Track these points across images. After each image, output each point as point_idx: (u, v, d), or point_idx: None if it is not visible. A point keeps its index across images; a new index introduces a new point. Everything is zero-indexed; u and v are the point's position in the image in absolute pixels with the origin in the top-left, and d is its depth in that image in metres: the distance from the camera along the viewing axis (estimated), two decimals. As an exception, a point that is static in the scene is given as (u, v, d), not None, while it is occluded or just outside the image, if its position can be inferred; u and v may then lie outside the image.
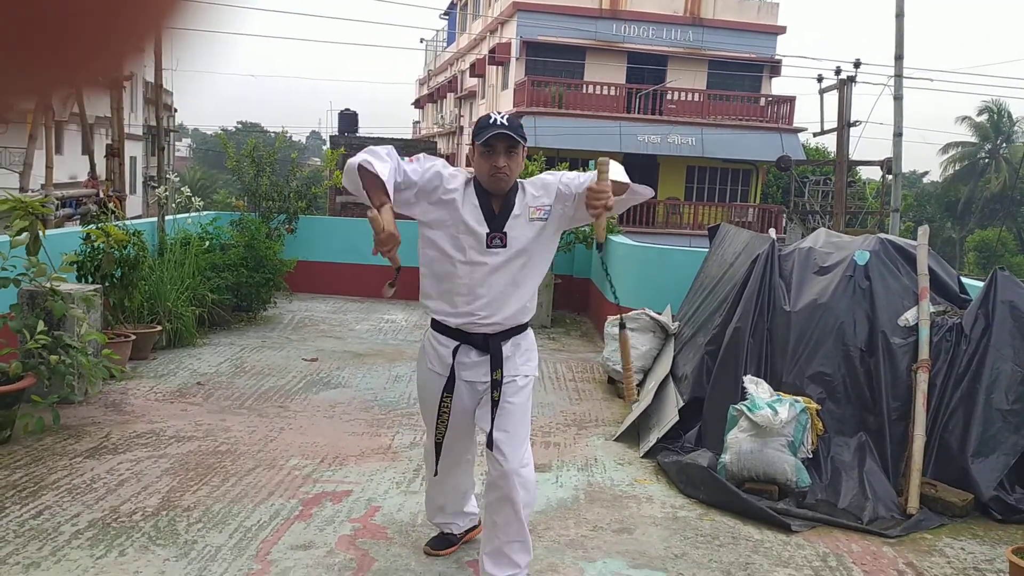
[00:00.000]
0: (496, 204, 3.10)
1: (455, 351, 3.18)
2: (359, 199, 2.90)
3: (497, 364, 3.14)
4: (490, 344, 3.15)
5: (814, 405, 4.69)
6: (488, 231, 3.06)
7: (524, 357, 3.23)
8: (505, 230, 3.08)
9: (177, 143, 45.63)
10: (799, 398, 4.64)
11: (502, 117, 3.05)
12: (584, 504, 4.31)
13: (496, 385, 3.14)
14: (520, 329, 3.23)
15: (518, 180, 3.16)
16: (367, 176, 2.82)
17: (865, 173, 29.69)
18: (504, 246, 3.08)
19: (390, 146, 2.97)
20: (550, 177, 3.18)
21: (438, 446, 3.29)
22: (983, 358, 4.67)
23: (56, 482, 4.16)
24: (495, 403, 3.13)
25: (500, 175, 3.01)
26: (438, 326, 3.23)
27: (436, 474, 3.36)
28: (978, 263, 37.45)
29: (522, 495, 3.13)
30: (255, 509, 3.98)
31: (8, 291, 5.11)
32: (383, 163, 2.84)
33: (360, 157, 2.83)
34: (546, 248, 3.19)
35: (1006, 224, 39.01)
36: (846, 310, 5.00)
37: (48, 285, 5.19)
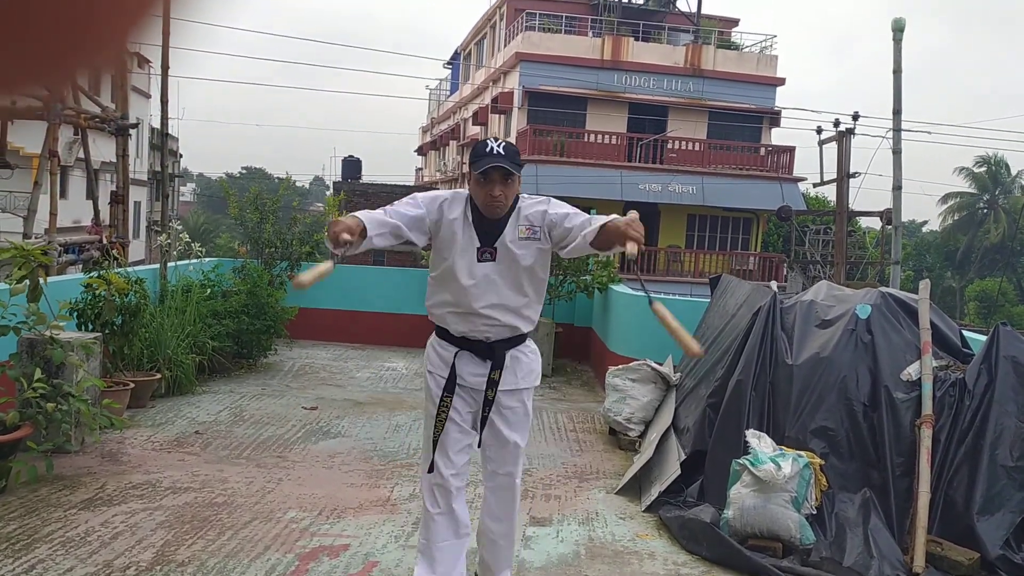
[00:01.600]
0: (490, 222, 3.24)
1: (455, 356, 3.31)
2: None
3: (498, 365, 3.26)
4: (494, 350, 3.27)
5: (817, 460, 4.64)
6: (479, 246, 3.21)
7: (524, 369, 3.35)
8: (495, 245, 3.21)
9: (181, 187, 45.98)
10: (802, 453, 4.59)
11: (499, 145, 3.13)
12: (585, 560, 4.25)
13: (492, 384, 3.26)
14: (521, 339, 3.35)
15: (518, 196, 3.28)
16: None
17: (865, 222, 29.78)
18: (494, 260, 3.21)
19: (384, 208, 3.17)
20: (542, 207, 3.25)
21: (435, 442, 3.29)
22: (987, 414, 4.63)
23: (50, 535, 4.10)
24: (488, 403, 3.27)
25: (496, 203, 3.14)
26: (442, 332, 3.38)
27: (431, 470, 3.30)
28: (979, 313, 37.44)
29: (513, 495, 3.40)
30: (250, 565, 3.91)
31: (8, 339, 5.10)
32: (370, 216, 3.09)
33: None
34: (537, 261, 3.27)
35: (1006, 274, 39.06)
36: (848, 364, 4.98)
37: (48, 333, 5.18)
